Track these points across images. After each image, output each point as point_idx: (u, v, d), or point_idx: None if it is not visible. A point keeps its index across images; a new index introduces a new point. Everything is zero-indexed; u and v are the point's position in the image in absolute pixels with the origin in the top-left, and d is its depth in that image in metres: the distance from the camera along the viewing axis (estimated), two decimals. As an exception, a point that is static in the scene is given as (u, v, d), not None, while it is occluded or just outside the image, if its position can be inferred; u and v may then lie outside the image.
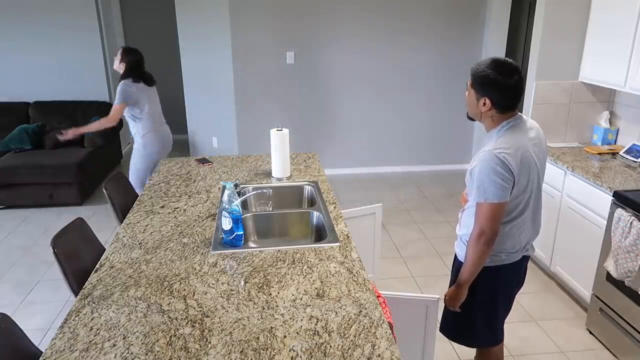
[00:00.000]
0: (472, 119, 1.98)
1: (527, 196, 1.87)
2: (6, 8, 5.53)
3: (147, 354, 1.41)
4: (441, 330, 2.21)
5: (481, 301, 2.03)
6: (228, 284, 1.77)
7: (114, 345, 1.46)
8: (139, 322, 1.56)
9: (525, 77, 3.69)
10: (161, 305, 1.65)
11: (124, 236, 2.18)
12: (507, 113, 1.85)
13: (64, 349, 1.44)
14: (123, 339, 1.48)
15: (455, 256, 2.11)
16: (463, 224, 2.01)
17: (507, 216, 1.89)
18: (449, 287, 2.16)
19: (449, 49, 5.45)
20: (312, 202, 2.68)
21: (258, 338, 1.47)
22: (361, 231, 2.92)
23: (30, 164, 4.71)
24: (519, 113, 1.90)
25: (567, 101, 3.58)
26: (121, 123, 6.01)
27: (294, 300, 1.66)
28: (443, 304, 2.23)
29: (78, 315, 1.61)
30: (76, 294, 1.94)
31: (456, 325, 2.14)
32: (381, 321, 1.55)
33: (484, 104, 1.83)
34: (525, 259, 2.06)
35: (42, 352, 1.48)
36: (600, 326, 2.80)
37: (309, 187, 2.77)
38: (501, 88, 1.79)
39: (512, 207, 1.87)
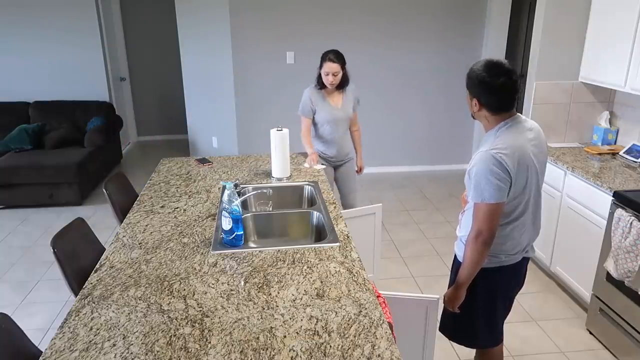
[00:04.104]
0: (475, 117, 1.97)
1: (526, 197, 1.86)
2: (6, 8, 5.53)
3: (147, 354, 1.41)
4: (441, 330, 2.21)
5: (481, 302, 2.03)
6: (228, 284, 1.77)
7: (114, 345, 1.46)
8: (139, 322, 1.56)
9: (525, 77, 3.69)
10: (161, 305, 1.65)
11: (124, 236, 2.18)
12: (500, 114, 1.83)
13: (64, 349, 1.44)
14: (123, 338, 1.48)
15: (455, 256, 2.11)
16: (463, 225, 2.01)
17: (507, 217, 1.88)
18: (448, 287, 2.17)
19: (449, 49, 5.45)
20: (312, 202, 2.68)
21: (258, 338, 1.47)
22: (361, 231, 2.92)
23: (30, 164, 4.71)
24: (518, 114, 1.89)
25: (567, 101, 3.58)
26: (121, 122, 6.03)
27: (294, 300, 1.66)
28: (443, 304, 2.24)
29: (78, 315, 1.61)
30: (76, 294, 1.94)
31: (456, 326, 2.15)
32: (381, 321, 1.55)
33: (475, 104, 1.85)
34: (526, 260, 2.06)
35: (42, 352, 1.48)
36: (600, 326, 2.80)
37: (309, 187, 2.77)
38: (488, 89, 1.79)
39: (511, 208, 1.86)
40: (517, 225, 1.91)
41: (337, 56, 3.10)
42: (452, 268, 2.16)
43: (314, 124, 3.32)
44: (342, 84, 3.24)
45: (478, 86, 1.80)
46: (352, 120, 3.40)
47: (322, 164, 3.19)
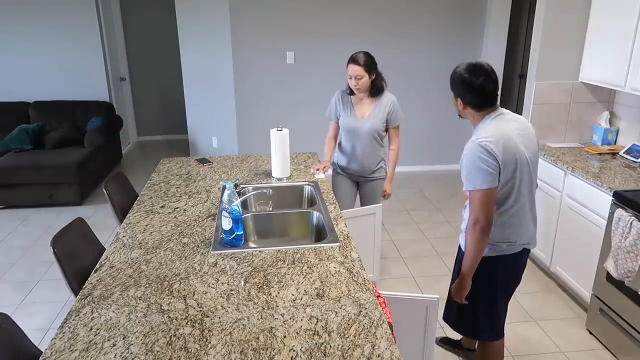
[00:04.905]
0: (461, 116, 2.10)
1: (517, 183, 1.92)
2: (6, 8, 5.53)
3: (147, 354, 1.41)
4: (444, 318, 2.30)
5: (482, 292, 2.09)
6: (228, 284, 1.77)
7: (114, 345, 1.46)
8: (139, 322, 1.56)
9: (525, 77, 3.69)
10: (161, 305, 1.65)
11: (124, 236, 2.18)
12: (484, 110, 1.96)
13: (64, 349, 1.44)
14: (123, 338, 1.48)
15: (460, 248, 2.17)
16: (466, 218, 2.06)
17: (503, 204, 1.95)
18: (452, 276, 2.25)
19: (450, 48, 5.45)
20: (312, 202, 2.68)
21: (258, 338, 1.47)
22: (361, 231, 2.92)
23: (30, 164, 4.70)
24: (501, 108, 1.98)
25: (567, 101, 3.58)
26: (121, 122, 6.03)
27: (294, 300, 1.66)
28: (443, 302, 2.28)
29: (78, 315, 1.61)
30: (76, 294, 1.94)
31: (459, 317, 2.22)
32: (381, 321, 1.55)
33: (460, 103, 1.99)
34: (526, 251, 2.10)
35: (42, 352, 1.48)
36: (600, 326, 2.80)
37: (309, 187, 2.77)
38: (469, 89, 1.92)
39: (505, 194, 1.92)
40: (514, 212, 1.97)
41: (361, 58, 2.82)
42: (456, 259, 2.23)
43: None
44: (375, 92, 2.94)
45: (460, 86, 1.94)
46: (390, 137, 3.09)
47: (322, 174, 2.93)
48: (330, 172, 3.11)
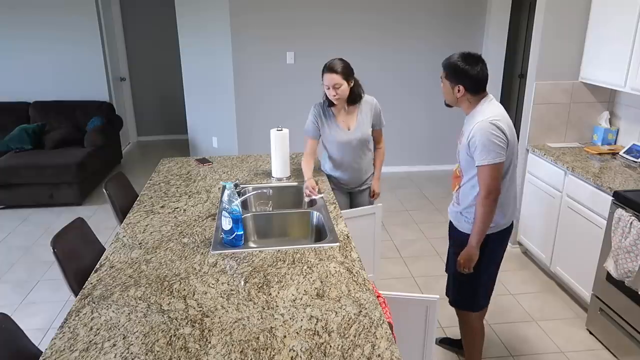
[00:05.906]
0: (449, 106, 2.24)
1: (514, 157, 2.15)
2: (6, 8, 5.53)
3: (147, 354, 1.41)
4: (451, 303, 2.45)
5: (486, 266, 2.26)
6: (228, 284, 1.77)
7: (114, 345, 1.46)
8: (139, 322, 1.56)
9: (525, 77, 3.69)
10: (161, 305, 1.65)
11: (124, 236, 2.18)
12: (479, 94, 2.14)
13: (64, 349, 1.45)
14: (123, 338, 1.49)
15: (453, 228, 2.33)
16: (462, 199, 2.22)
17: (505, 177, 2.12)
18: (447, 255, 2.41)
19: (449, 49, 5.39)
20: (312, 202, 2.68)
21: (258, 338, 1.47)
22: (361, 231, 2.92)
23: (30, 164, 4.71)
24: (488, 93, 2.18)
25: (567, 101, 3.58)
26: (121, 122, 6.03)
27: (294, 300, 1.66)
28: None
29: (78, 315, 1.61)
30: (76, 294, 1.94)
31: (460, 291, 2.37)
32: (381, 321, 1.55)
33: (459, 90, 2.12)
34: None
35: (42, 352, 1.48)
36: (600, 326, 2.79)
37: (309, 187, 2.76)
38: (470, 76, 2.09)
39: (506, 167, 2.12)
40: (511, 184, 2.19)
41: (338, 65, 2.63)
42: (450, 240, 2.41)
43: (324, 144, 2.91)
44: (354, 99, 2.76)
45: (462, 74, 2.10)
46: (375, 139, 2.94)
47: (321, 193, 2.63)
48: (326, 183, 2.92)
